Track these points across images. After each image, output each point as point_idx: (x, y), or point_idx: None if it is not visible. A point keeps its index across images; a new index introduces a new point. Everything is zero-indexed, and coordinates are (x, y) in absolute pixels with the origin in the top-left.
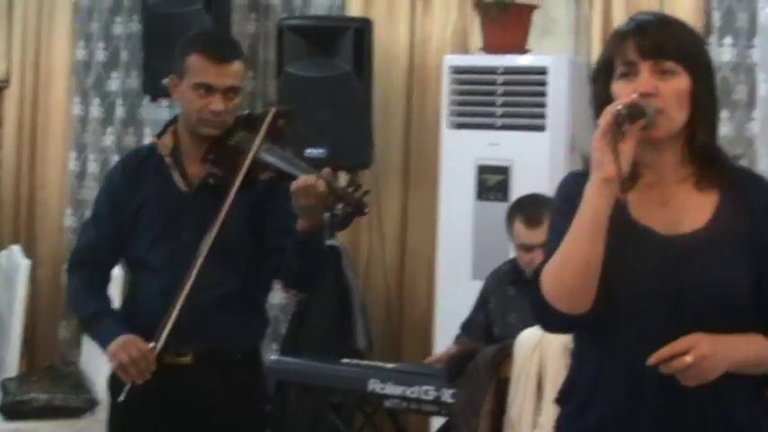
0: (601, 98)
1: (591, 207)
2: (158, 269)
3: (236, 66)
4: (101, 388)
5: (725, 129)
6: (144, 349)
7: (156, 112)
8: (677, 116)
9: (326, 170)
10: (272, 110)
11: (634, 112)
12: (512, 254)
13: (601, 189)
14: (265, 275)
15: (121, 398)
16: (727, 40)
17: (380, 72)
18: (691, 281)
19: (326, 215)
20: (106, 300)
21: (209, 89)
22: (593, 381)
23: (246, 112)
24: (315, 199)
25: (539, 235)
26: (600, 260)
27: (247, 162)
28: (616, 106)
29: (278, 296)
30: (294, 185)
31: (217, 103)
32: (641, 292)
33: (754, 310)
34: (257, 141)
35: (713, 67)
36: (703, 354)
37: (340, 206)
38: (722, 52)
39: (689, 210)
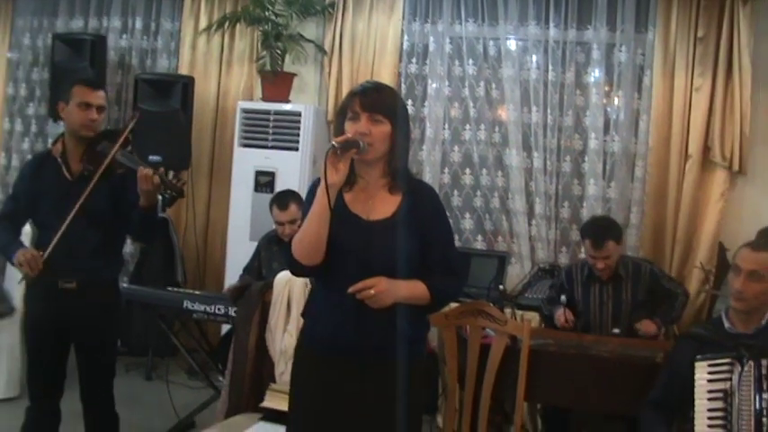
0: (338, 131)
1: (320, 201)
2: (54, 225)
3: (102, 93)
4: (17, 299)
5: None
6: (35, 254)
7: (56, 129)
8: (381, 148)
9: (160, 168)
10: (128, 127)
11: (349, 144)
12: (274, 225)
13: (325, 190)
14: (121, 232)
15: (19, 281)
16: (409, 101)
17: (198, 110)
18: (378, 249)
19: (159, 197)
20: (17, 238)
21: (88, 105)
22: (320, 306)
23: (109, 128)
24: (151, 186)
25: (287, 215)
26: (325, 234)
27: (107, 161)
28: (333, 141)
29: (128, 247)
30: (138, 176)
31: (93, 114)
32: (348, 253)
33: (421, 267)
34: (115, 147)
35: (408, 119)
36: (381, 289)
37: (168, 191)
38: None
39: (383, 205)
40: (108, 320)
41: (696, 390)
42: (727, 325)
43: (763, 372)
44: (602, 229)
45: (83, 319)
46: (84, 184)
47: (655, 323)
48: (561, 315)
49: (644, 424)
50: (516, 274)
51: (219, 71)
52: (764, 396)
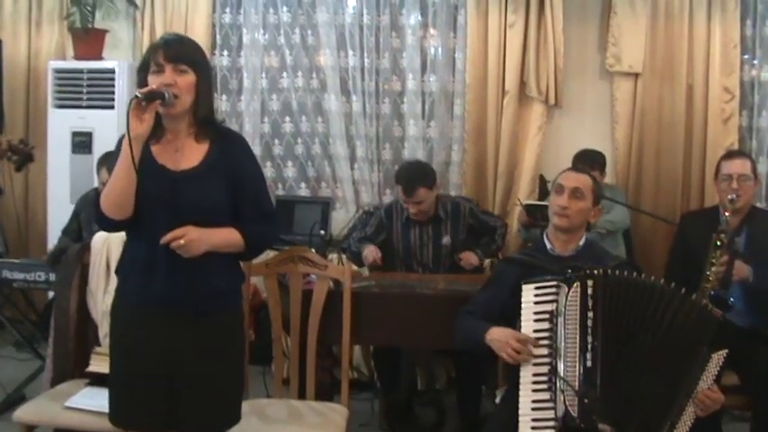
0: (142, 85)
1: (125, 155)
2: None
3: None
4: None
5: (223, 105)
6: None
7: None
8: (187, 99)
9: (6, 135)
10: None
11: (152, 96)
12: (100, 187)
13: (128, 143)
14: None
15: None
16: (225, 52)
17: (8, 72)
18: (187, 198)
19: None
20: None
21: None
22: (132, 260)
23: None
24: None
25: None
26: (133, 187)
27: None
28: (137, 92)
29: None
30: None
31: None
32: (157, 205)
33: (233, 213)
34: None
35: (211, 68)
36: (191, 238)
37: (17, 157)
38: (223, 59)
39: (190, 154)
40: None
41: (523, 312)
42: (549, 246)
43: (589, 293)
44: (413, 177)
45: None
46: None
47: (476, 254)
48: (372, 252)
49: (461, 325)
50: (342, 218)
51: (29, 31)
52: (589, 315)
